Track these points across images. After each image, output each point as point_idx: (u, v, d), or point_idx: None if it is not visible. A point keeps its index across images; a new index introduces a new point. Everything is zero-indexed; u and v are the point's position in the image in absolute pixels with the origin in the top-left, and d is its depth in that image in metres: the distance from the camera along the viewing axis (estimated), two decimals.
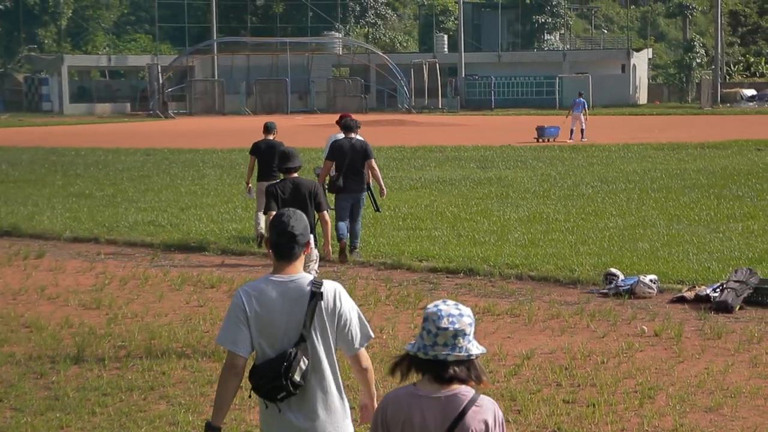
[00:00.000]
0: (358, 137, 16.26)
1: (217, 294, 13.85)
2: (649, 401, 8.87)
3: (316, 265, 11.31)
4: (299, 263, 5.38)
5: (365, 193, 16.34)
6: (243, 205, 22.27)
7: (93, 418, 8.72)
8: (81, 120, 68.88)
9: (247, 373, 5.33)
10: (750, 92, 79.59)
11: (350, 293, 11.17)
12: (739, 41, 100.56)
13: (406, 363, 4.27)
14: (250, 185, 17.56)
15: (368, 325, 5.38)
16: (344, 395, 5.39)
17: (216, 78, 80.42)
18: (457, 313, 4.23)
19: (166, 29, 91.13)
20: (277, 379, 5.15)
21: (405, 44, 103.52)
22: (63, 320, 12.21)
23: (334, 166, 16.01)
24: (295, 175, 11.36)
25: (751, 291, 12.43)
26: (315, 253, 11.16)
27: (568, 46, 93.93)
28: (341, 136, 16.36)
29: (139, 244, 18.01)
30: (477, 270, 14.69)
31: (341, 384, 5.36)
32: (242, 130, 51.23)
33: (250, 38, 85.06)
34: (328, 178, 16.13)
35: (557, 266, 14.67)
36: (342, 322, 5.28)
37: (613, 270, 13.80)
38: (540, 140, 41.86)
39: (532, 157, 33.32)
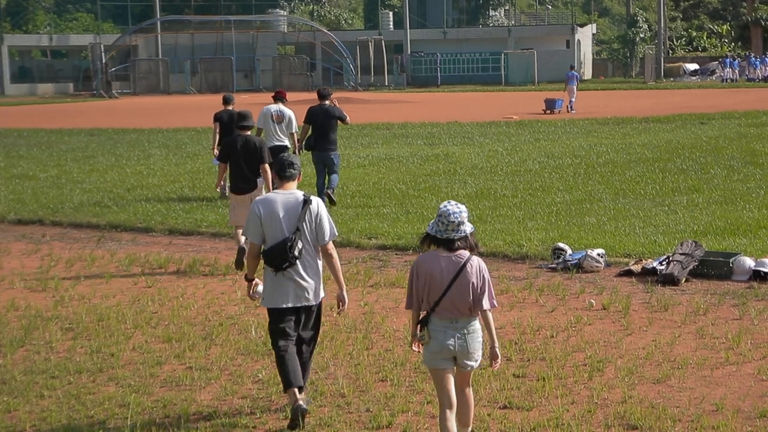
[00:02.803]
0: (328, 104, 18.66)
1: (165, 274, 13.73)
2: (598, 374, 8.95)
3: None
4: (294, 184, 8.17)
5: (336, 153, 18.65)
6: (189, 185, 22.11)
7: (41, 402, 8.63)
8: (22, 100, 67.95)
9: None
10: (693, 66, 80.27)
11: None
12: (681, 16, 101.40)
13: (427, 240, 6.97)
14: (216, 151, 18.60)
15: (335, 227, 8.15)
16: (321, 269, 8.18)
17: (160, 57, 79.63)
18: (458, 210, 6.87)
19: (109, 8, 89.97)
20: (284, 254, 7.91)
21: (350, 21, 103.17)
22: (9, 303, 12.06)
23: (310, 128, 18.42)
24: (248, 132, 13.77)
25: (696, 263, 12.57)
26: (263, 194, 13.01)
27: (513, 22, 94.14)
28: (274, 107, 18.53)
29: (84, 225, 17.82)
30: None
31: (320, 262, 8.13)
32: (187, 109, 50.76)
33: (194, 16, 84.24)
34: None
35: (506, 242, 14.73)
36: (320, 222, 8.04)
37: (561, 245, 13.87)
38: (548, 112, 42.96)
39: (479, 134, 33.39)
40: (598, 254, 13.34)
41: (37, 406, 8.52)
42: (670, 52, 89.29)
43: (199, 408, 8.35)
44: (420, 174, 23.00)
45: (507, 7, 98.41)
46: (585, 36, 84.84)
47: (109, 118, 46.58)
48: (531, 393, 8.48)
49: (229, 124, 18.28)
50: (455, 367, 7.01)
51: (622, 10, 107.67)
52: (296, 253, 7.92)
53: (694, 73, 78.53)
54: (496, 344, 7.07)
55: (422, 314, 7.02)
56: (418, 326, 7.00)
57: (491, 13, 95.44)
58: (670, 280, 12.24)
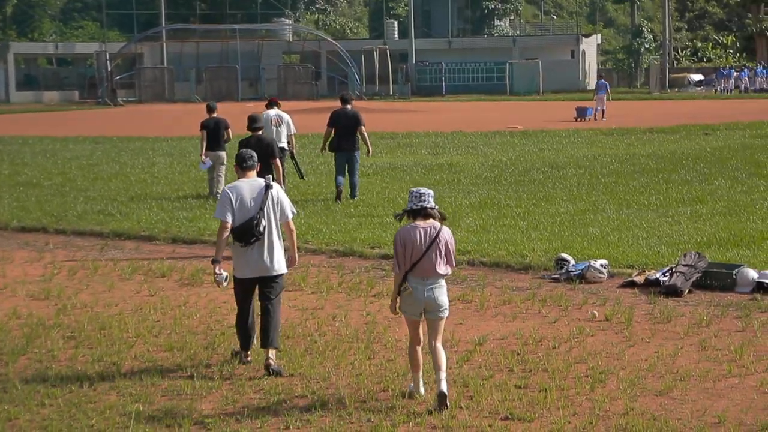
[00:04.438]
0: (350, 108, 20.16)
1: (168, 283, 13.73)
2: (600, 385, 8.93)
3: None
4: (253, 173, 9.79)
5: (358, 152, 20.11)
6: (194, 194, 22.12)
7: (42, 410, 8.62)
8: (28, 108, 68.05)
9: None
10: (697, 77, 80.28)
11: (302, 281, 11.20)
12: (686, 26, 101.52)
13: (405, 215, 8.57)
14: (204, 157, 20.69)
15: (293, 207, 9.85)
16: (282, 243, 9.73)
17: (165, 65, 79.74)
18: (424, 189, 8.59)
19: (114, 16, 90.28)
20: (251, 230, 9.43)
21: (355, 31, 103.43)
22: (11, 311, 12.06)
23: (333, 130, 19.93)
24: (260, 132, 15.77)
25: (699, 275, 12.55)
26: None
27: (518, 32, 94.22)
28: (272, 112, 19.90)
29: (88, 233, 17.82)
30: None
31: (281, 237, 9.70)
32: (192, 117, 50.75)
33: (199, 25, 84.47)
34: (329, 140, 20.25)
35: (509, 252, 14.71)
36: (280, 203, 9.67)
37: (564, 255, 13.85)
38: (579, 119, 44.40)
39: (483, 143, 33.39)
40: (601, 265, 13.32)
41: (38, 415, 8.51)
42: (675, 62, 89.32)
43: (200, 417, 8.34)
44: (423, 183, 22.95)
45: (512, 17, 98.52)
46: (590, 46, 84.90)
47: (113, 126, 46.65)
48: (533, 404, 8.46)
49: (215, 130, 20.51)
50: (424, 318, 8.62)
51: (627, 21, 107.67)
52: (261, 229, 9.45)
53: (699, 83, 78.51)
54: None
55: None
56: (399, 285, 8.57)
57: (496, 23, 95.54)
58: (673, 292, 12.22)
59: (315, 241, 16.11)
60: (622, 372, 9.29)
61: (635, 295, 12.42)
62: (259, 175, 14.58)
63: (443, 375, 8.40)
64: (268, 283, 9.65)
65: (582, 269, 13.23)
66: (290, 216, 9.73)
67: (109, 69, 74.13)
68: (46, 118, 56.95)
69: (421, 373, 8.63)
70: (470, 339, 10.49)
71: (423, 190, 8.57)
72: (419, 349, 8.62)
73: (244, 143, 15.29)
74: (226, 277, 9.54)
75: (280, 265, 9.65)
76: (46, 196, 22.36)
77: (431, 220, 8.51)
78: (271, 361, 9.43)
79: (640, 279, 12.88)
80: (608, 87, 48.03)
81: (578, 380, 9.07)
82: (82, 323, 11.44)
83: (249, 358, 9.74)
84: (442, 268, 8.50)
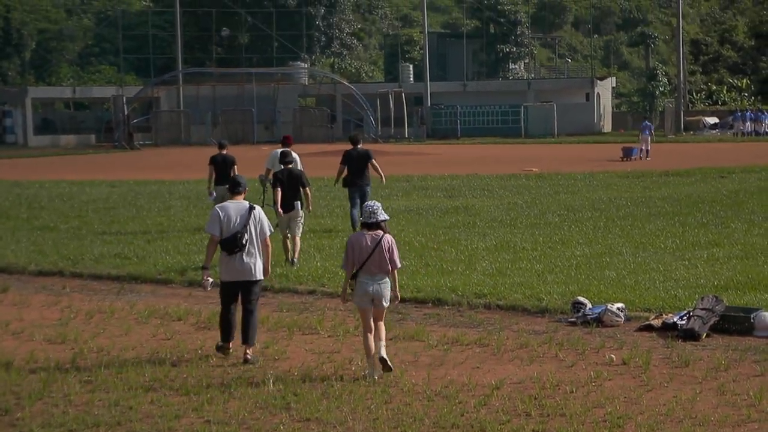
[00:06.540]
0: (360, 147, 22.14)
1: (184, 326, 13.73)
2: (618, 430, 8.88)
3: (301, 221, 18.15)
4: (241, 197, 11.77)
5: (369, 186, 21.98)
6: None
7: None
8: (45, 152, 68.47)
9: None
10: (712, 120, 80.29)
11: (318, 324, 11.23)
12: (700, 69, 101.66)
13: (360, 225, 10.67)
14: (212, 189, 22.27)
15: (271, 226, 11.84)
16: (260, 255, 11.66)
17: (181, 108, 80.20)
18: (373, 204, 10.91)
19: (131, 60, 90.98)
20: (235, 242, 11.47)
21: (371, 74, 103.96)
22: (28, 355, 12.07)
23: (346, 169, 21.80)
24: (290, 166, 18.08)
25: (717, 318, 12.50)
26: (301, 213, 18.03)
27: (532, 75, 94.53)
28: (282, 150, 20.31)
29: (104, 277, 17.86)
30: (445, 300, 14.68)
31: (261, 249, 11.64)
32: (208, 160, 51.01)
33: (215, 69, 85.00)
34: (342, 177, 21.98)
35: (525, 295, 14.68)
36: (260, 222, 11.64)
37: (581, 298, 13.82)
38: (625, 159, 46.32)
39: (499, 186, 33.42)
40: (618, 308, 13.29)
41: None
42: (690, 105, 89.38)
43: None
44: (439, 226, 23.00)
45: (527, 61, 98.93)
46: (604, 89, 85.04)
47: (130, 170, 46.88)
48: None
49: (222, 165, 22.14)
50: (372, 307, 10.79)
51: (642, 64, 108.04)
52: (243, 242, 11.48)
53: (714, 126, 78.51)
54: (397, 290, 11.09)
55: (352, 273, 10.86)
56: (348, 281, 10.82)
57: (511, 66, 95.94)
58: (690, 336, 12.17)
59: (331, 284, 16.11)
60: (640, 417, 9.24)
61: (652, 338, 12.37)
62: (291, 200, 17.82)
63: (383, 344, 10.68)
64: (248, 288, 11.65)
65: (599, 313, 13.19)
66: (267, 234, 11.71)
67: (125, 113, 74.58)
68: (63, 161, 57.29)
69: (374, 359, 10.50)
70: (487, 383, 10.46)
71: (374, 208, 10.81)
72: (371, 336, 10.67)
73: (278, 175, 18.00)
74: (213, 282, 11.72)
75: (258, 273, 11.63)
76: (63, 240, 22.43)
77: (378, 231, 10.75)
78: (248, 356, 11.50)
79: (657, 322, 12.83)
80: (652, 128, 51.07)
81: (596, 425, 9.02)
82: (98, 367, 11.44)
83: (230, 350, 11.66)
84: (386, 266, 10.71)
